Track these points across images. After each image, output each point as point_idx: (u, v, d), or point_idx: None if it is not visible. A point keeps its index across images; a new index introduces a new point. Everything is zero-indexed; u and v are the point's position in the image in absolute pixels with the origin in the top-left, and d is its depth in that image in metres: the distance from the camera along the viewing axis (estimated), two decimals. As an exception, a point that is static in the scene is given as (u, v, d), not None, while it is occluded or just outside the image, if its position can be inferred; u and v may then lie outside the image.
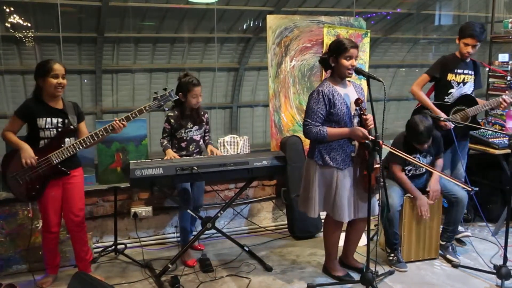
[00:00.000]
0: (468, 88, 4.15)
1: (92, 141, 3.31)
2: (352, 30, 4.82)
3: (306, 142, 4.34)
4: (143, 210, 4.31)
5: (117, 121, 3.33)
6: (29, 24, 6.08)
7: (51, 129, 3.29)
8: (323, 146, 3.33)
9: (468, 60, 4.12)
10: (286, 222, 4.66)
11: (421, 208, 3.76)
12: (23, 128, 3.37)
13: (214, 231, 3.92)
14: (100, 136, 3.33)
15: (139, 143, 4.11)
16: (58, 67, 3.25)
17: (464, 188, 3.79)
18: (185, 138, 3.85)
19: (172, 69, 7.71)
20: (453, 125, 3.99)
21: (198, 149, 3.95)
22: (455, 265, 3.84)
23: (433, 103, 4.10)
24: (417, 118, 3.66)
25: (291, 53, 4.64)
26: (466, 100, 4.12)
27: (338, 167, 3.30)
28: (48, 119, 3.28)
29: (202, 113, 3.93)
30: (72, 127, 3.33)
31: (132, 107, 7.29)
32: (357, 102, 3.27)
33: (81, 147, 3.30)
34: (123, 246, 4.15)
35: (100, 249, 4.10)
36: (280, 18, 4.62)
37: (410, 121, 3.71)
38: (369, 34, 4.92)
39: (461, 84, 4.12)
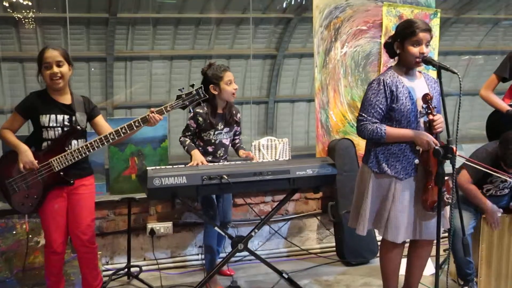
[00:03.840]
0: None
1: (100, 145, 3.32)
2: (418, 9, 4.74)
3: (360, 147, 4.29)
4: (162, 226, 4.33)
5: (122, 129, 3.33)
6: (30, 3, 6.22)
7: (55, 128, 3.32)
8: (381, 149, 3.28)
9: None
10: (334, 244, 4.61)
11: (490, 223, 3.69)
12: (28, 127, 3.45)
13: (247, 253, 3.90)
14: (111, 140, 3.33)
15: (157, 145, 4.14)
16: (49, 55, 3.25)
17: None
18: (213, 141, 3.85)
19: (196, 56, 7.77)
20: None
21: (226, 155, 3.94)
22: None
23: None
24: None
25: (343, 37, 4.60)
26: None
27: (397, 176, 3.25)
28: (52, 116, 3.31)
29: (234, 111, 3.92)
30: (78, 127, 3.36)
31: (149, 102, 7.43)
32: (425, 98, 3.20)
33: (87, 152, 3.31)
34: (137, 269, 4.18)
35: (111, 271, 4.14)
36: (330, -5, 4.60)
37: (506, 136, 3.60)
38: (439, 14, 4.83)
39: None
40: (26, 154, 3.25)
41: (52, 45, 3.32)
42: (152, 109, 3.34)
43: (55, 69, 3.25)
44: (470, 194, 3.72)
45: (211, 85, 3.76)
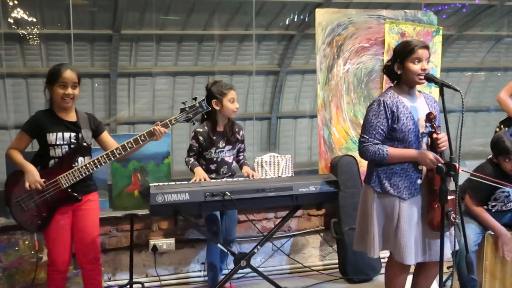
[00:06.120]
0: None
1: (107, 160, 3.35)
2: (420, 27, 4.77)
3: (363, 164, 4.29)
4: (164, 242, 4.33)
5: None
6: (34, 20, 6.27)
7: (62, 146, 3.35)
8: (383, 169, 3.27)
9: None
10: (336, 261, 4.59)
11: (503, 248, 3.67)
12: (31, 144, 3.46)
13: (249, 270, 3.89)
14: (117, 155, 3.36)
15: (160, 161, 4.15)
16: (68, 75, 3.29)
17: None
18: (215, 159, 3.87)
19: (199, 73, 7.81)
20: None
21: (230, 173, 3.95)
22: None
23: None
24: (501, 133, 3.59)
25: (345, 54, 4.62)
26: None
27: (400, 196, 3.23)
28: (59, 134, 3.34)
29: (236, 129, 3.95)
30: (85, 144, 3.39)
31: (152, 118, 7.46)
32: (429, 117, 3.20)
33: (94, 168, 3.34)
34: (139, 285, 4.18)
35: (113, 288, 4.15)
36: (332, 12, 4.62)
37: (494, 137, 3.65)
38: (441, 32, 4.85)
39: None
40: (33, 174, 3.26)
41: (69, 65, 3.36)
42: (157, 122, 3.37)
43: (70, 90, 3.30)
44: (479, 218, 3.72)
45: (214, 100, 3.78)
